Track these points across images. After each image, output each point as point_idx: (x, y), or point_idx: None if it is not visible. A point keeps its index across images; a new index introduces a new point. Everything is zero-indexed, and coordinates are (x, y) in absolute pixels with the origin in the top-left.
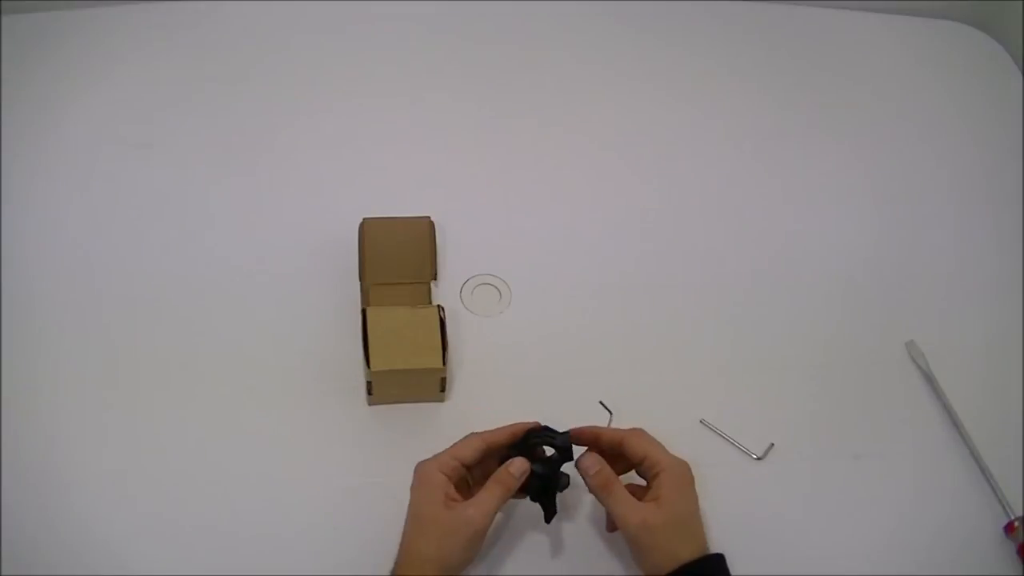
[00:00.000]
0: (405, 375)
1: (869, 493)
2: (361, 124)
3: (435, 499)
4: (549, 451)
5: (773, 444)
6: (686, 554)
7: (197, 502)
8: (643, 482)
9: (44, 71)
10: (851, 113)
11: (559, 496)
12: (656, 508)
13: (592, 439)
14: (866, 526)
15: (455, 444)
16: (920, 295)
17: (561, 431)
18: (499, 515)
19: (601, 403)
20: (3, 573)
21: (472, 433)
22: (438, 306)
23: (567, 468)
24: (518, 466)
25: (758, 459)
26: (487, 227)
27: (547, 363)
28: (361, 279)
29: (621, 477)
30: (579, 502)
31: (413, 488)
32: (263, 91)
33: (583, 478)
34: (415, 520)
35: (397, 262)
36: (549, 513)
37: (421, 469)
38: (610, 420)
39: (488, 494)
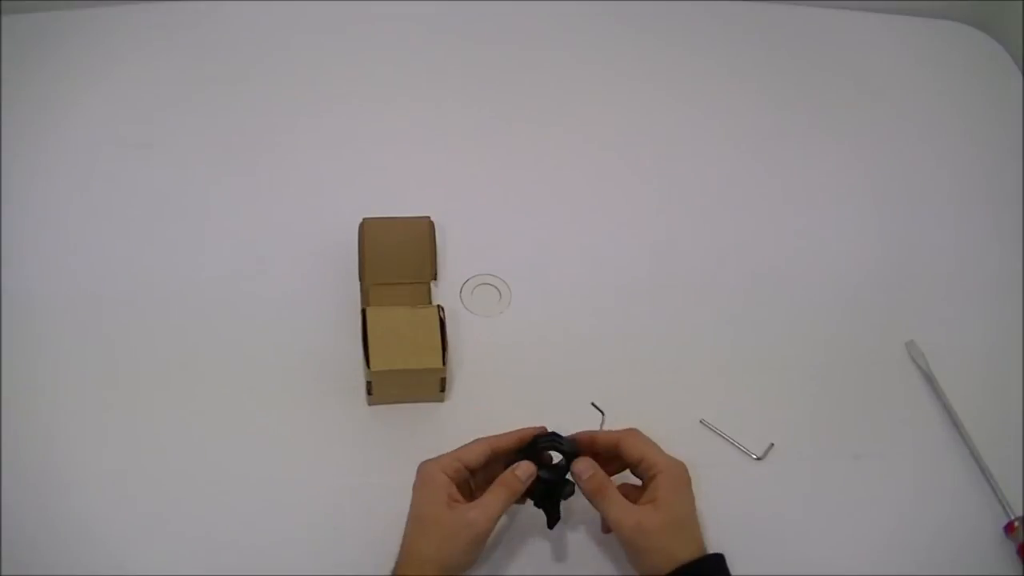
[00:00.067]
0: (405, 375)
1: (869, 493)
2: (361, 124)
3: (438, 499)
4: (556, 457)
5: (773, 444)
6: (684, 555)
7: (197, 502)
8: (637, 481)
9: (44, 71)
10: (851, 113)
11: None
12: (653, 510)
13: (589, 443)
14: (866, 526)
15: (461, 447)
16: (920, 295)
17: (568, 437)
18: (502, 518)
19: (593, 404)
20: (3, 573)
21: (479, 439)
22: (438, 306)
23: None
24: (524, 469)
25: (758, 459)
26: (487, 227)
27: (547, 363)
28: (361, 279)
29: (614, 478)
30: (580, 505)
31: (415, 488)
32: (263, 91)
33: (577, 482)
34: (416, 520)
35: (397, 262)
36: (553, 519)
37: (424, 469)
38: (603, 421)
39: (493, 497)
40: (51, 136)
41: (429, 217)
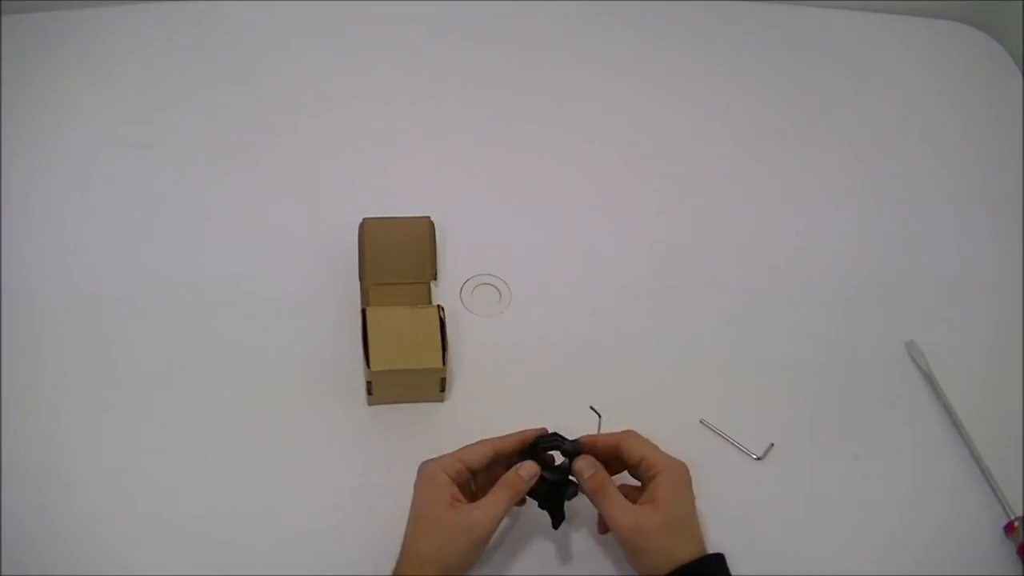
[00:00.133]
0: (405, 375)
1: (869, 493)
2: (361, 124)
3: (439, 499)
4: (558, 459)
5: (773, 444)
6: (684, 555)
7: (197, 502)
8: (637, 483)
9: (44, 71)
10: (851, 113)
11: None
12: (651, 511)
13: (590, 446)
14: (866, 526)
15: (463, 448)
16: (920, 295)
17: (571, 438)
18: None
19: (592, 408)
20: (3, 573)
21: (482, 440)
22: (438, 306)
23: None
24: (528, 469)
25: (758, 459)
26: (487, 227)
27: (547, 363)
28: (361, 279)
29: (614, 478)
30: (580, 505)
31: (416, 488)
32: (263, 91)
33: (578, 481)
34: (417, 520)
35: (397, 262)
36: (557, 520)
37: (425, 469)
38: (600, 424)
39: (496, 498)
40: (51, 136)
41: (429, 217)
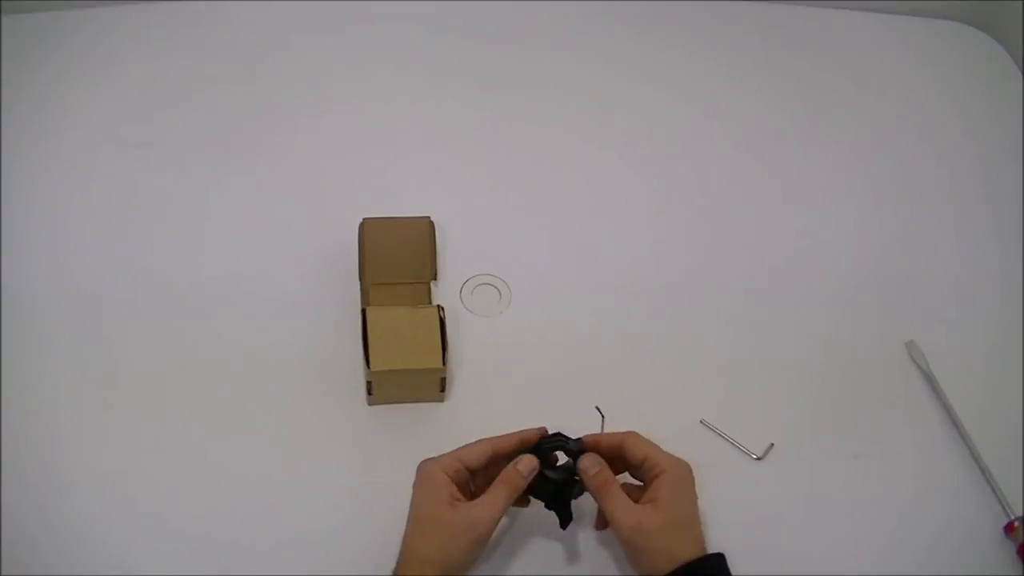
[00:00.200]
0: (405, 375)
1: (869, 493)
2: (361, 124)
3: (438, 499)
4: (561, 459)
5: (773, 444)
6: (685, 554)
7: (197, 502)
8: (637, 483)
9: (44, 71)
10: (851, 113)
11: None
12: (653, 510)
13: (593, 446)
14: (866, 526)
15: (461, 447)
16: (920, 295)
17: (574, 437)
18: (503, 519)
19: (597, 408)
20: (3, 573)
21: (480, 440)
22: (438, 306)
23: None
24: (526, 464)
25: (758, 459)
26: (487, 227)
27: (547, 363)
28: (361, 279)
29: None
30: (579, 506)
31: (415, 487)
32: (263, 91)
33: (582, 478)
34: (417, 520)
35: (397, 262)
36: (565, 520)
37: (424, 468)
38: (603, 424)
39: (494, 495)
40: (51, 136)
41: (429, 217)
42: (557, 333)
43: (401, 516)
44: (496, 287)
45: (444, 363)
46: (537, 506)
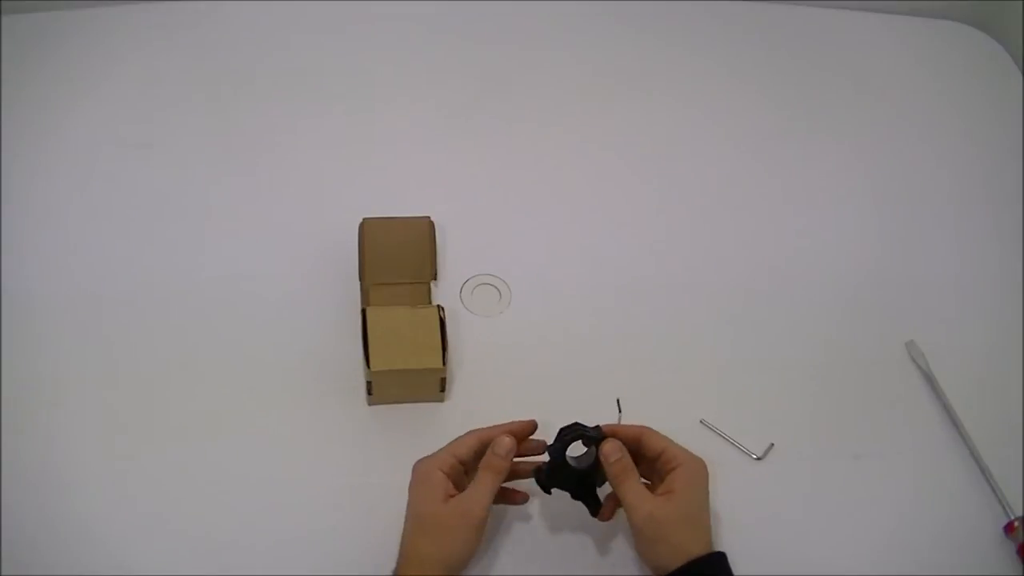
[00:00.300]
0: (405, 375)
1: (869, 493)
2: (361, 124)
3: (435, 496)
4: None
5: (773, 444)
6: (694, 549)
7: (197, 502)
8: (644, 481)
9: (44, 71)
10: (851, 113)
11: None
12: (667, 502)
13: (611, 435)
14: (866, 526)
15: (452, 442)
16: (920, 295)
17: (591, 426)
18: (499, 518)
19: (617, 401)
20: (3, 573)
21: (470, 431)
22: (438, 306)
23: None
24: (503, 445)
25: (758, 459)
26: (487, 227)
27: (547, 363)
28: (361, 279)
29: None
30: (579, 506)
31: (412, 487)
32: (263, 91)
33: (603, 463)
34: (416, 519)
35: (397, 262)
36: (594, 507)
37: (420, 468)
38: (619, 419)
39: (480, 484)
40: (51, 136)
41: (429, 217)
42: (557, 333)
43: (401, 516)
44: (496, 287)
45: (444, 363)
46: (540, 504)
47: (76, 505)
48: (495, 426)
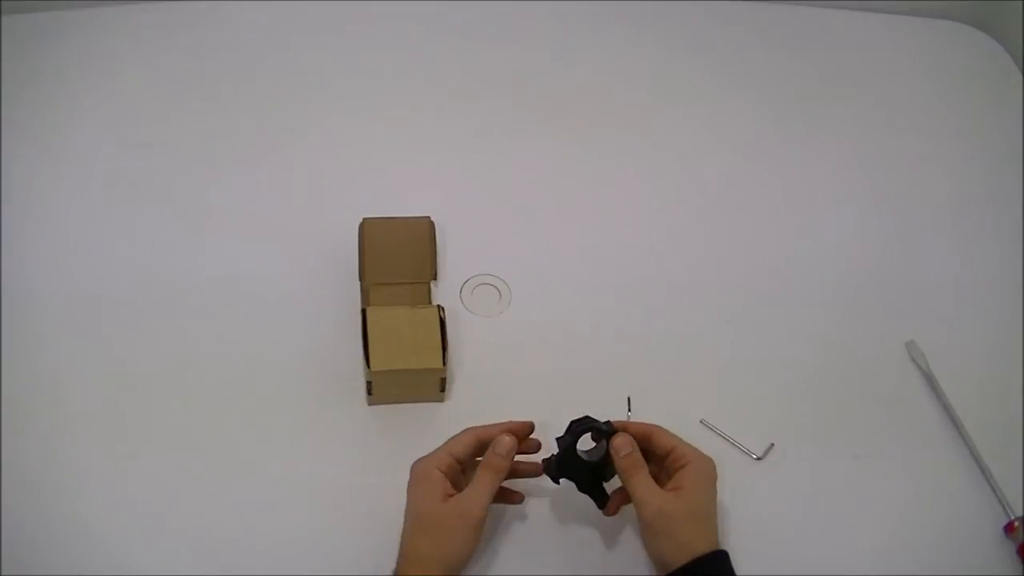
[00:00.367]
0: (405, 375)
1: (869, 493)
2: (361, 124)
3: (433, 496)
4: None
5: (773, 444)
6: (702, 546)
7: (197, 502)
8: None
9: (44, 71)
10: (851, 113)
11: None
12: (676, 498)
13: (622, 430)
14: (866, 526)
15: (449, 440)
16: (920, 295)
17: (603, 420)
18: (498, 518)
19: (628, 399)
20: (3, 573)
21: (466, 429)
22: (438, 306)
23: None
24: (505, 445)
25: (758, 459)
26: (487, 227)
27: (547, 363)
28: (361, 279)
29: None
30: (580, 505)
31: (410, 487)
32: (263, 91)
33: (613, 457)
34: (415, 519)
35: (397, 262)
36: (603, 501)
37: (418, 467)
38: (629, 417)
39: (479, 483)
40: (51, 136)
41: (429, 217)
42: (557, 333)
43: (401, 516)
44: (496, 287)
45: (444, 363)
46: (539, 504)
47: (76, 505)
48: (492, 424)
